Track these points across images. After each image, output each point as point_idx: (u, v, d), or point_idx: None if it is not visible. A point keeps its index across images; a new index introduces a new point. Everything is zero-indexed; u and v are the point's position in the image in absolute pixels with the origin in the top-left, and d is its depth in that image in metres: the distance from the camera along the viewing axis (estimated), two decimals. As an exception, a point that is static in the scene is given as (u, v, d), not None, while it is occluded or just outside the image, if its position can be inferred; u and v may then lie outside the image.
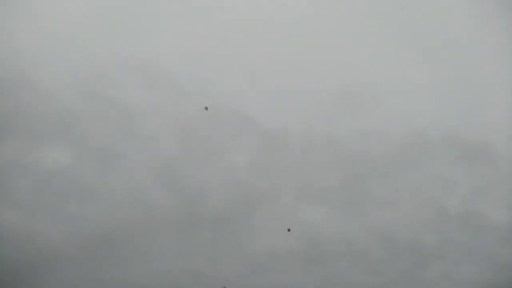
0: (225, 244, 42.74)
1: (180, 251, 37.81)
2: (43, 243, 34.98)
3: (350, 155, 49.15)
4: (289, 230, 24.22)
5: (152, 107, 52.61)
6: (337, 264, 28.90)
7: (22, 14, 45.53)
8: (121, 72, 50.95)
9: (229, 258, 34.76)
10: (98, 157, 40.96)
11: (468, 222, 30.57)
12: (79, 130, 44.44)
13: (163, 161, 42.33)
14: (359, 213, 36.65)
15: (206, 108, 29.52)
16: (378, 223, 32.60)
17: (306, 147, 52.89)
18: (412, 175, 41.95)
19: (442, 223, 31.54)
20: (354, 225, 32.89)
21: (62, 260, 28.02)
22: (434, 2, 48.40)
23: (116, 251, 30.77)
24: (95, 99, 49.41)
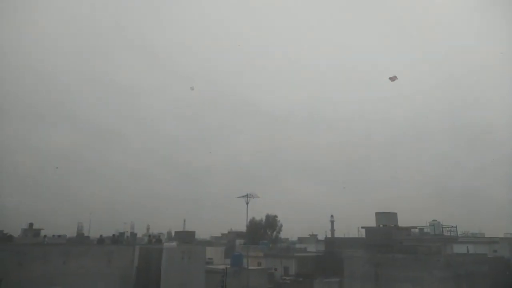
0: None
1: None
2: (47, 221, 35.27)
3: (352, 136, 49.34)
4: None
5: (155, 90, 52.53)
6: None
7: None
8: (123, 55, 50.81)
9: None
10: (101, 137, 41.52)
11: (468, 200, 30.47)
12: (81, 111, 44.81)
13: (165, 142, 42.88)
14: (360, 193, 36.73)
15: (192, 88, 31.06)
16: (379, 202, 32.60)
17: (308, 130, 53.16)
18: (413, 155, 42.11)
19: (442, 202, 31.61)
20: (355, 205, 32.91)
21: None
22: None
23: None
24: (97, 82, 49.40)
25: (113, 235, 32.77)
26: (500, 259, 22.77)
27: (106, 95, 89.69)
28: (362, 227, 29.89)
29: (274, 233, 48.41)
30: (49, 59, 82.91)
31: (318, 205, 65.60)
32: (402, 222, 26.01)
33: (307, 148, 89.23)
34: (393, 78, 21.72)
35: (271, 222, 48.00)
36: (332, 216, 53.42)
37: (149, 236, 39.76)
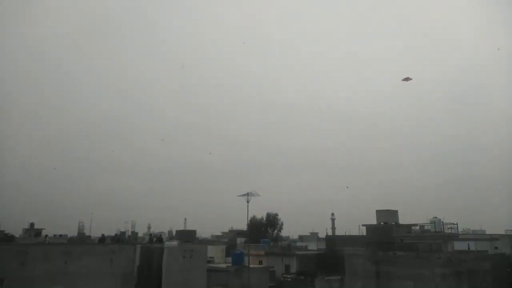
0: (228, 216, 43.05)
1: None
2: (48, 221, 35.22)
3: (353, 134, 49.56)
4: None
5: (156, 89, 52.79)
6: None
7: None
8: (125, 53, 50.98)
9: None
10: (102, 136, 41.76)
11: (469, 197, 30.64)
12: (82, 110, 45.03)
13: (165, 141, 43.39)
14: (360, 178, 36.76)
15: (182, 66, 31.65)
16: (379, 200, 32.92)
17: (309, 128, 53.65)
18: (414, 153, 42.21)
19: (443, 199, 31.65)
20: (356, 202, 33.09)
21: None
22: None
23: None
24: (97, 80, 49.56)
25: (115, 234, 32.91)
26: (501, 255, 22.79)
27: (109, 93, 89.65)
28: (362, 225, 29.96)
29: (275, 231, 48.45)
30: (49, 58, 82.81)
31: (319, 203, 65.64)
32: (402, 219, 26.10)
33: (308, 146, 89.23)
34: (407, 79, 21.79)
35: (272, 221, 48.03)
36: (332, 214, 53.51)
37: (150, 235, 39.91)
